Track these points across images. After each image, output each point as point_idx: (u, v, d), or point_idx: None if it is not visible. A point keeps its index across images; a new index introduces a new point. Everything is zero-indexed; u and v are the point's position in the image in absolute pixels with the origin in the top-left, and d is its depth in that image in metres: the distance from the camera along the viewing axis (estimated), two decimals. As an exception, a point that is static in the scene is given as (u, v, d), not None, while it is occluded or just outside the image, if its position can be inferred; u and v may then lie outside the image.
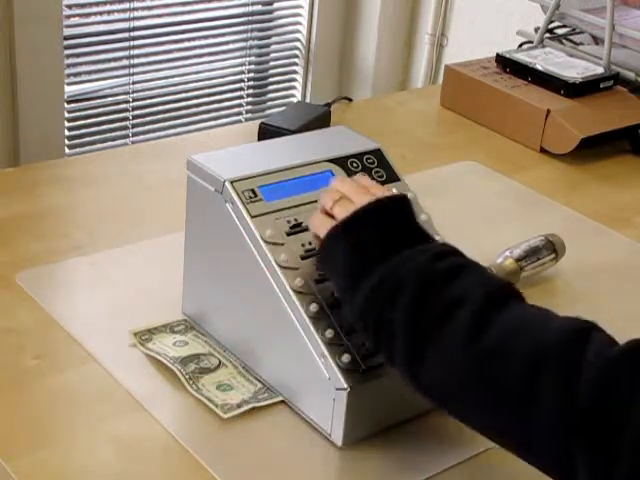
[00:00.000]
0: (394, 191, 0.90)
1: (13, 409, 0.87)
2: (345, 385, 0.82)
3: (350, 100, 1.60)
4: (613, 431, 0.63)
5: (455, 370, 0.71)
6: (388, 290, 0.76)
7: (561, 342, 0.68)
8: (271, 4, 2.40)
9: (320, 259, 0.84)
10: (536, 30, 1.70)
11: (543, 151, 1.47)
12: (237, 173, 0.90)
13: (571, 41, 1.75)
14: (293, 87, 2.49)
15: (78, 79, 2.15)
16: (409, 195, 0.93)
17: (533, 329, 0.70)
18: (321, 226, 0.83)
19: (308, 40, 2.42)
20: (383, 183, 0.95)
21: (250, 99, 2.43)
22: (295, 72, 2.47)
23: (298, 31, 2.43)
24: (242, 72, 2.38)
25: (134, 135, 2.24)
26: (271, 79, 2.46)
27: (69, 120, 2.12)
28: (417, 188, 0.97)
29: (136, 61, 2.19)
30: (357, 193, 0.84)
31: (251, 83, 2.41)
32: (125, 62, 2.18)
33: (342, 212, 0.82)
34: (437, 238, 0.91)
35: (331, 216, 0.83)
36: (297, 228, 0.89)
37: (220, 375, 0.91)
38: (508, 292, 0.75)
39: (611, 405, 0.63)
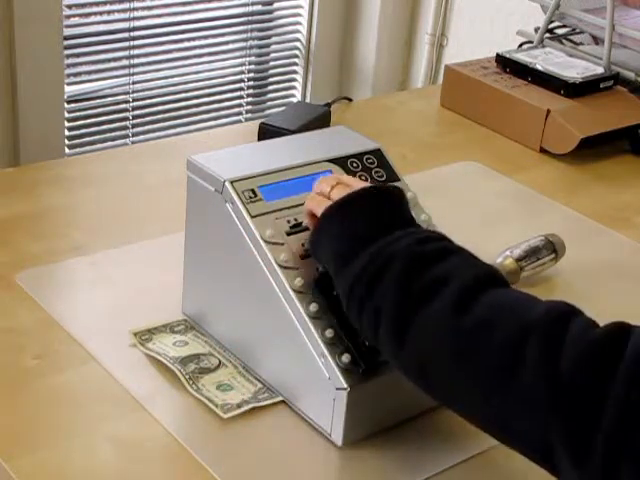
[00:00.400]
0: None
1: (13, 409, 0.87)
2: (345, 385, 0.82)
3: (350, 100, 1.60)
4: (591, 410, 0.63)
5: (438, 342, 0.72)
6: (378, 265, 0.77)
7: (545, 321, 0.69)
8: (271, 4, 2.40)
9: (313, 237, 0.85)
10: (536, 30, 1.70)
11: (543, 151, 1.47)
12: (237, 173, 0.90)
13: (571, 41, 1.75)
14: (293, 87, 2.49)
15: (78, 79, 2.15)
16: (409, 195, 0.94)
17: (517, 308, 0.71)
18: (318, 206, 0.84)
19: (308, 40, 2.42)
20: (383, 183, 0.95)
21: (250, 99, 2.43)
22: (295, 72, 2.47)
23: (298, 31, 2.43)
24: (242, 72, 2.38)
25: (134, 135, 2.24)
26: (271, 79, 2.46)
27: (69, 120, 2.12)
28: (417, 188, 0.97)
29: (136, 61, 2.19)
30: (354, 180, 0.87)
31: (251, 83, 2.41)
32: (125, 62, 2.18)
33: (340, 195, 0.83)
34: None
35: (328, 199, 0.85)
36: (297, 228, 0.89)
37: (220, 375, 0.91)
38: (495, 276, 0.77)
39: (591, 385, 0.64)
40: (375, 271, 0.77)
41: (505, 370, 0.68)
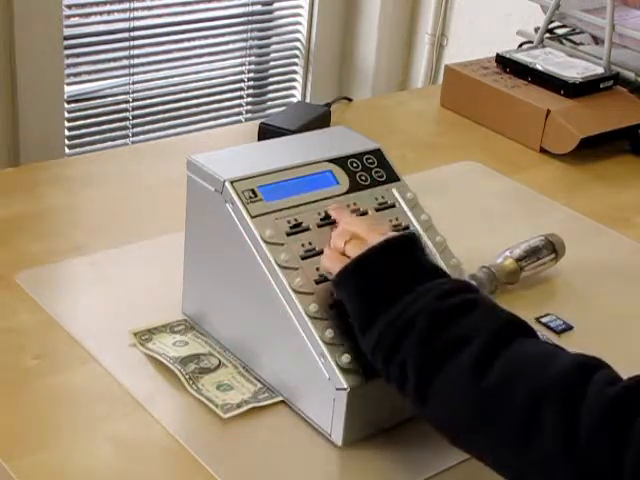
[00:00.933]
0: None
1: (13, 409, 0.87)
2: (345, 385, 0.82)
3: (350, 100, 1.60)
4: (609, 467, 0.64)
5: (459, 400, 0.73)
6: (399, 328, 0.77)
7: (564, 379, 0.69)
8: (271, 4, 2.40)
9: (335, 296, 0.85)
10: (536, 30, 1.70)
11: (543, 151, 1.47)
12: (237, 173, 0.90)
13: (571, 41, 1.75)
14: (293, 87, 2.49)
15: (78, 79, 2.15)
16: (408, 195, 0.94)
17: (538, 365, 0.72)
18: (334, 265, 0.84)
19: (308, 40, 2.42)
20: (383, 183, 0.95)
21: (250, 99, 2.43)
22: (295, 72, 2.47)
23: (298, 31, 2.43)
24: (242, 72, 2.38)
25: (134, 135, 2.24)
26: (271, 79, 2.46)
27: (69, 120, 2.12)
28: (417, 188, 0.97)
29: (136, 61, 2.19)
30: (367, 231, 0.85)
31: (251, 83, 2.41)
32: (125, 62, 2.18)
33: (354, 251, 0.83)
34: (440, 238, 0.91)
35: (343, 254, 0.84)
36: (297, 228, 0.89)
37: (220, 375, 0.91)
38: (516, 325, 0.77)
39: (609, 442, 0.65)
40: (395, 334, 0.77)
41: (525, 427, 0.69)
